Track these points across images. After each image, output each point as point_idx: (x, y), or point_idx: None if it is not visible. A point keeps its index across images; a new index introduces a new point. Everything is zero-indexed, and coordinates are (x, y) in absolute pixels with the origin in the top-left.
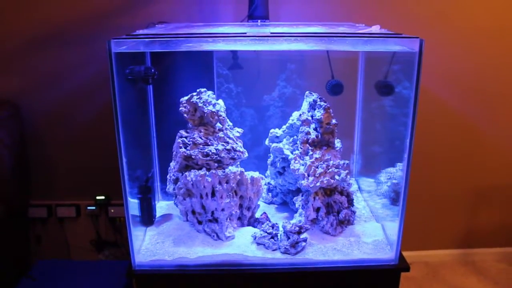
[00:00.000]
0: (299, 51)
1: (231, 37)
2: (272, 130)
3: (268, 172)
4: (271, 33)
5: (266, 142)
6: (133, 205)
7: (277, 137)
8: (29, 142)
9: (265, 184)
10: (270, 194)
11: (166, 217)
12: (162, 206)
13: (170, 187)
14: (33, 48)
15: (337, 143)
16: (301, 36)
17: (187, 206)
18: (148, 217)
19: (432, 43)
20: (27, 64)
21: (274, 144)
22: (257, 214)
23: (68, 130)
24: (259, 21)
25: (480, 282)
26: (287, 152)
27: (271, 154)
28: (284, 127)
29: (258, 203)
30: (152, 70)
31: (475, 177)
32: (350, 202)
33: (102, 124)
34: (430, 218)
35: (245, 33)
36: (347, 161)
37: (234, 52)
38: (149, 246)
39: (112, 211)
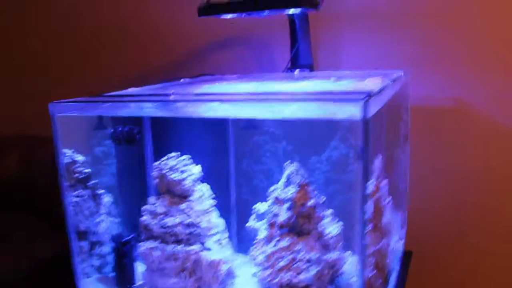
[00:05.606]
0: None
1: (142, 101)
2: (255, 206)
3: None
4: (172, 93)
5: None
6: None
7: (262, 214)
8: None
9: None
10: None
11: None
12: None
13: None
14: None
15: (332, 229)
16: (202, 101)
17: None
18: (122, 281)
19: None
20: None
21: (249, 223)
22: None
23: None
24: (297, 71)
25: None
26: (261, 234)
27: None
28: (269, 202)
29: None
30: (135, 131)
31: None
32: None
33: None
34: None
35: (171, 94)
36: (332, 256)
37: None
38: None
39: None
